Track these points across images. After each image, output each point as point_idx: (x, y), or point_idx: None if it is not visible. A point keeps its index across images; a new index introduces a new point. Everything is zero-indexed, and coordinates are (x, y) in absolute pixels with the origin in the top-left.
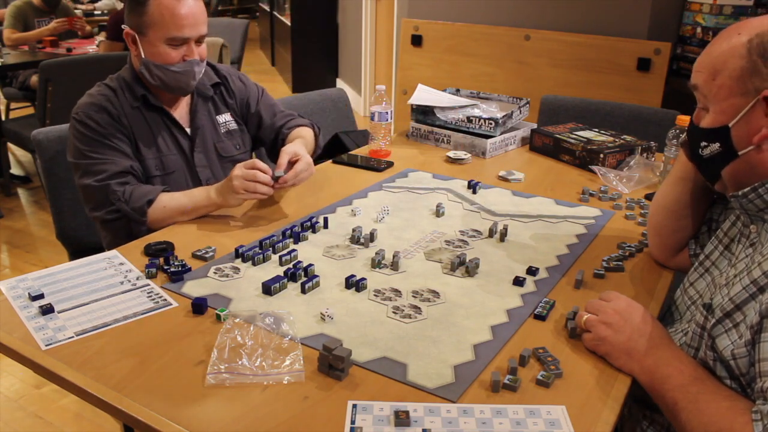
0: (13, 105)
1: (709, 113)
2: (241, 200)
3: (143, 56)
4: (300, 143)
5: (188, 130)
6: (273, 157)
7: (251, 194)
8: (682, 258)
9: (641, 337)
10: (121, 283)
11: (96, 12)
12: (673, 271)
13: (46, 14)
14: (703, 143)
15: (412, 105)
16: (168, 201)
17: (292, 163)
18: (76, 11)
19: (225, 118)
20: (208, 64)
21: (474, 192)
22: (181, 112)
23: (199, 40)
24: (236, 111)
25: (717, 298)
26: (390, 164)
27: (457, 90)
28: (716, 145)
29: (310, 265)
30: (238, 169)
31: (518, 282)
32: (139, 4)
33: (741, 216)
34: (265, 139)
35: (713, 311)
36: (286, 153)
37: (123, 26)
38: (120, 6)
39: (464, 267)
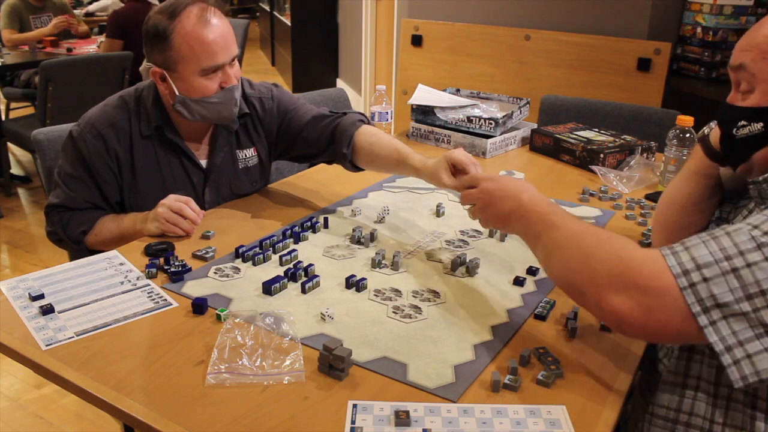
0: (13, 105)
1: (755, 93)
2: (158, 229)
3: (177, 93)
4: (402, 146)
5: (204, 163)
6: (328, 158)
7: (170, 227)
8: None
9: (503, 204)
10: (122, 283)
11: (98, 13)
12: None
13: (40, 10)
14: (742, 122)
15: (412, 105)
16: (100, 229)
17: (459, 171)
18: (74, 11)
19: (247, 154)
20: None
21: None
22: (200, 143)
23: (231, 62)
24: (264, 142)
25: None
26: None
27: (458, 90)
28: (758, 125)
29: (311, 265)
30: (168, 199)
31: (518, 282)
32: (162, 39)
33: (752, 208)
34: (315, 150)
35: None
36: (470, 163)
37: (148, 65)
38: (120, 5)
39: (464, 267)
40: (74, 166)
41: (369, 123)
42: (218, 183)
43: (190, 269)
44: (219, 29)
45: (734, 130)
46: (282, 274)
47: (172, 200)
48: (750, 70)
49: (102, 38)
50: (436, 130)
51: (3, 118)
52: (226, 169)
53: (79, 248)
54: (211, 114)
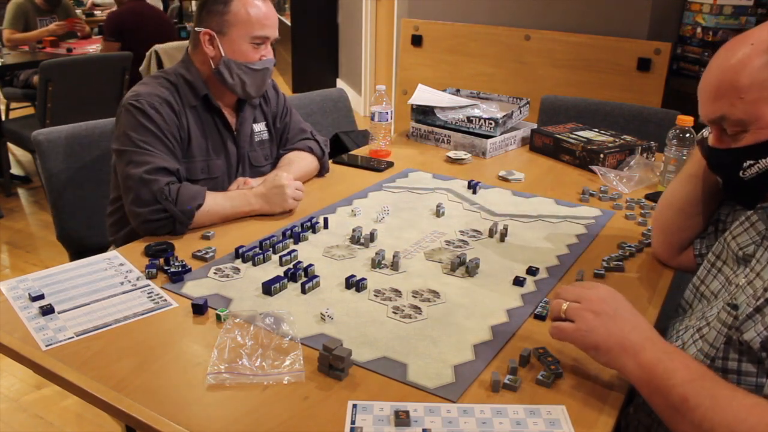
0: (13, 105)
1: (749, 132)
2: (292, 206)
3: (224, 55)
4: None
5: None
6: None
7: (296, 203)
8: (686, 257)
9: (635, 329)
10: (122, 283)
11: (96, 12)
12: (673, 271)
13: (47, 13)
14: (749, 162)
15: (412, 105)
16: (211, 205)
17: None
18: (76, 11)
19: (260, 127)
20: None
21: (474, 192)
22: (231, 116)
23: (272, 43)
24: (268, 120)
25: (742, 297)
26: (390, 164)
27: (457, 90)
28: (766, 161)
29: (310, 265)
30: (287, 179)
31: (518, 282)
32: (221, 3)
33: (750, 215)
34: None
35: (739, 309)
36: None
37: (197, 29)
38: (115, 6)
39: (464, 267)
40: (145, 134)
41: (317, 155)
42: (244, 155)
43: (190, 269)
44: (271, 9)
45: (740, 172)
46: (282, 275)
47: (290, 179)
48: (734, 116)
49: (93, 48)
50: (436, 130)
51: (3, 118)
52: (247, 141)
53: (187, 224)
54: (249, 80)
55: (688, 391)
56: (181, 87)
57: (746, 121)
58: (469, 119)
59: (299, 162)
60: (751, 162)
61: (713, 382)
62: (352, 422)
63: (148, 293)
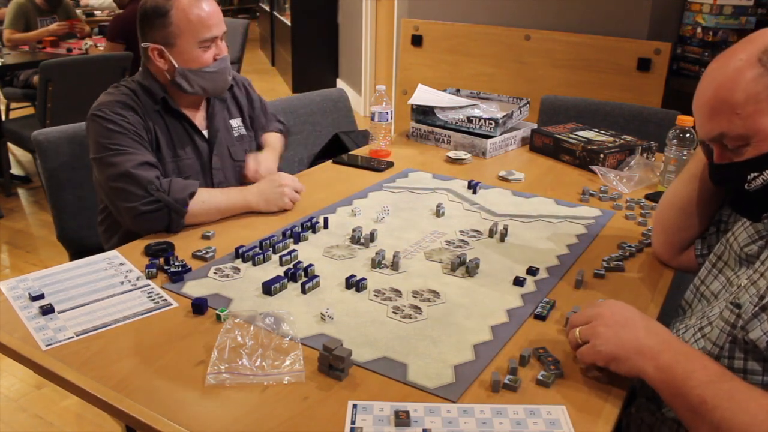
0: (13, 105)
1: (751, 146)
2: (288, 206)
3: (177, 66)
4: (269, 150)
5: (206, 133)
6: None
7: (291, 204)
8: (687, 257)
9: (650, 333)
10: (122, 283)
11: (96, 12)
12: (674, 271)
13: (48, 13)
14: (753, 174)
15: (412, 105)
16: (207, 197)
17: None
18: (77, 12)
19: (237, 123)
20: None
21: (474, 192)
22: (199, 115)
23: (221, 36)
24: (244, 116)
25: (745, 297)
26: (390, 164)
27: (457, 90)
28: None
29: (311, 265)
30: (287, 178)
31: (518, 282)
32: (161, 15)
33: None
34: None
35: (743, 308)
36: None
37: (144, 45)
38: (118, 9)
39: (464, 267)
40: (114, 137)
41: (284, 134)
42: (220, 150)
43: (190, 269)
44: (211, 5)
45: (746, 185)
46: (282, 274)
47: (288, 179)
48: (734, 132)
49: (90, 41)
50: (436, 130)
51: (3, 118)
52: (224, 137)
53: (182, 213)
54: (209, 84)
55: (706, 392)
56: (139, 93)
57: (746, 135)
58: (469, 119)
59: (276, 144)
60: (756, 174)
61: (731, 384)
62: (352, 422)
63: (148, 293)
